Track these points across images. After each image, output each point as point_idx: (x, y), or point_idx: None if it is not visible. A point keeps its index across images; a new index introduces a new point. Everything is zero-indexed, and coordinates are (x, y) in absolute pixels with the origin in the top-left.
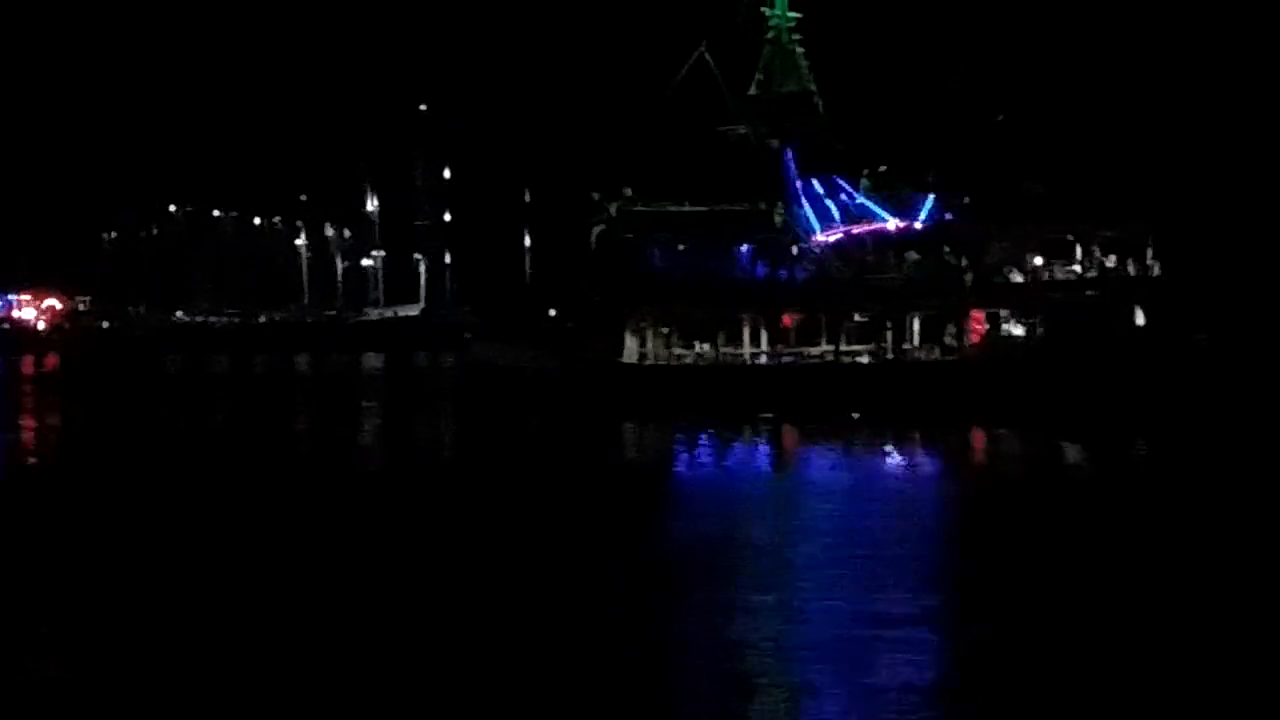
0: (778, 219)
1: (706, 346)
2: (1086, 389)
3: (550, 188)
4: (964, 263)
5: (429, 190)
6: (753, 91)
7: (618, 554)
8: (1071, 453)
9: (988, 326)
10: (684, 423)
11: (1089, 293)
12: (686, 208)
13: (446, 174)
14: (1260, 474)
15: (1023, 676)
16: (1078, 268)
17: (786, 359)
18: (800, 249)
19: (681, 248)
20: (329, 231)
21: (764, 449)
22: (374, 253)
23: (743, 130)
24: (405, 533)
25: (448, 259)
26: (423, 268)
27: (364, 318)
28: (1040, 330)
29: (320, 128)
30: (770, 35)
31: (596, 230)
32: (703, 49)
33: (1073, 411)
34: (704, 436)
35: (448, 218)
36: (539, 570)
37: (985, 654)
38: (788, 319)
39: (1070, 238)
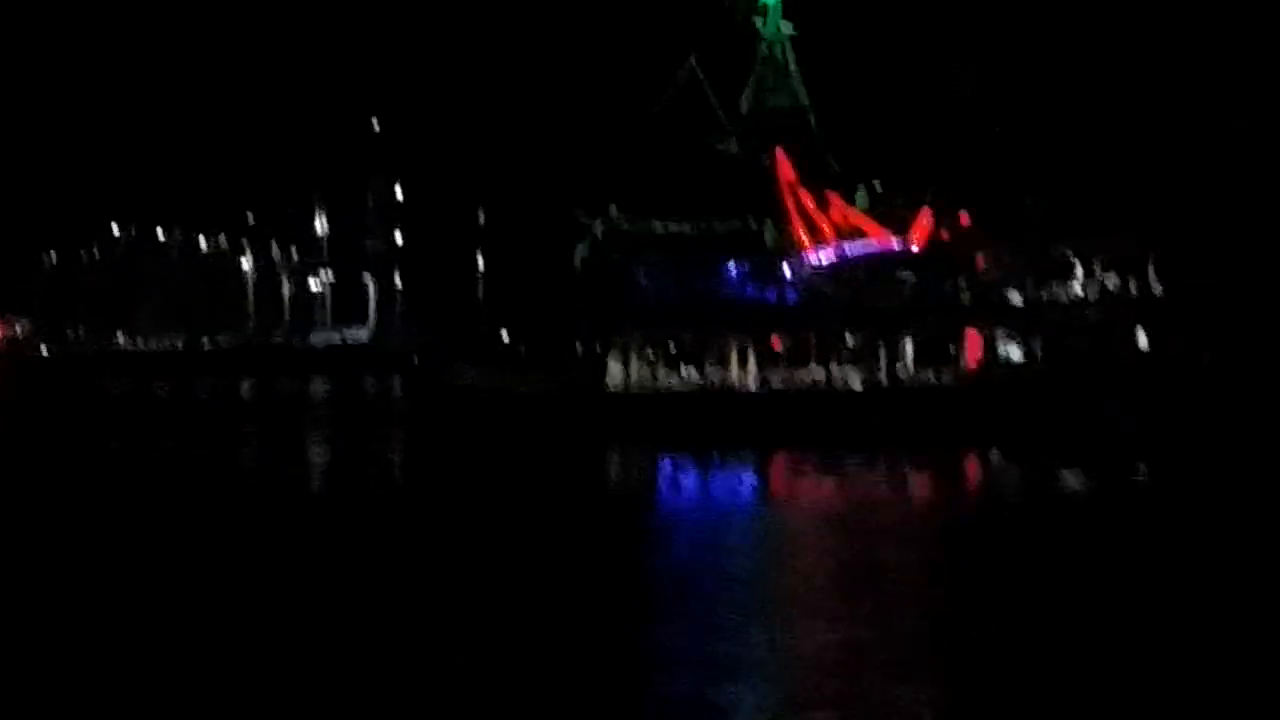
0: (768, 238)
1: (693, 370)
2: (1088, 413)
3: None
4: (961, 283)
5: (380, 210)
6: (744, 107)
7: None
8: (1071, 480)
9: (984, 349)
10: (668, 450)
11: (1090, 313)
12: (673, 227)
13: (398, 193)
14: (1264, 497)
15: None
16: (1079, 287)
17: (777, 383)
18: (791, 268)
19: (668, 268)
20: (276, 252)
21: (750, 477)
22: (322, 273)
23: (733, 147)
24: (384, 560)
25: (398, 281)
26: (372, 289)
27: (311, 342)
28: (1039, 352)
29: (268, 144)
30: (763, 50)
31: (581, 250)
32: (692, 62)
33: (1073, 437)
34: (688, 464)
35: (399, 238)
36: (511, 600)
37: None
38: (776, 341)
39: (1070, 256)
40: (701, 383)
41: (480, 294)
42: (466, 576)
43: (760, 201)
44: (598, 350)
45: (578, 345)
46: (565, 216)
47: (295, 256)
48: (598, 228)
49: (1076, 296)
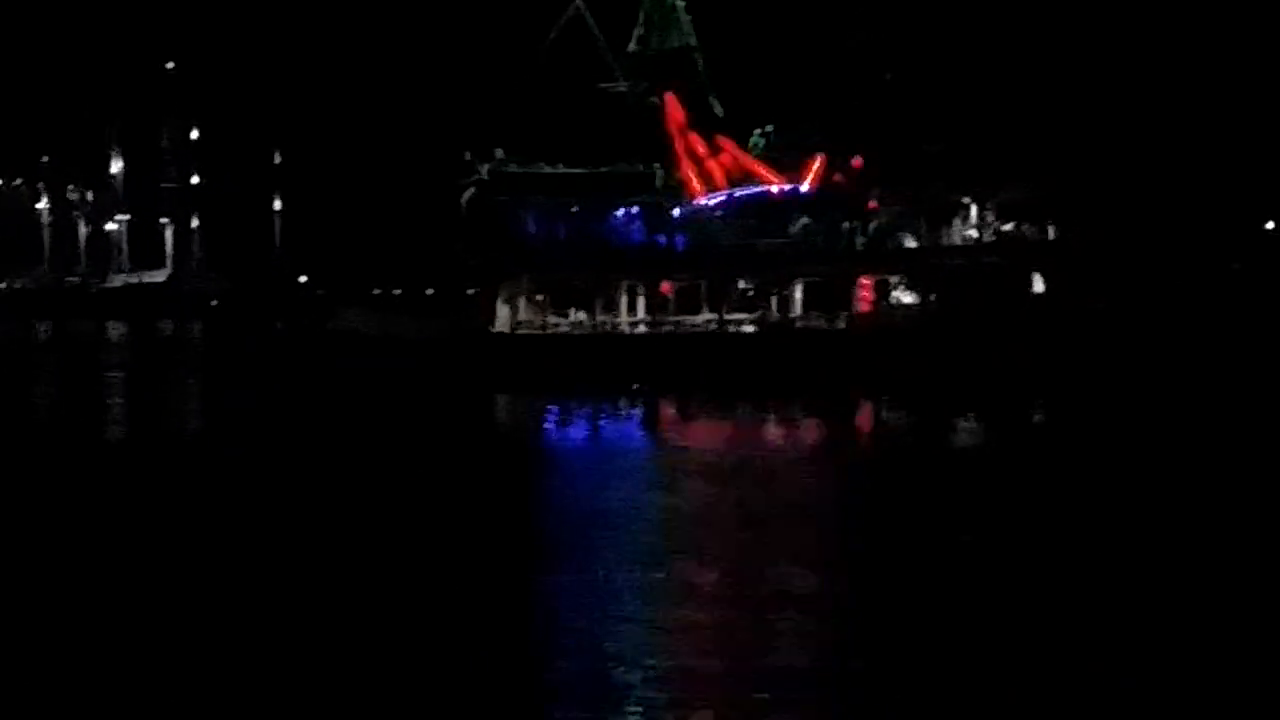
0: (658, 181)
1: (583, 314)
2: (981, 358)
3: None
4: (854, 227)
5: (176, 152)
6: (632, 48)
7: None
8: (960, 424)
9: (876, 294)
10: (557, 394)
11: (986, 258)
12: (562, 169)
13: (194, 135)
14: (1152, 441)
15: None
16: (974, 232)
17: (667, 327)
18: (681, 212)
19: (557, 211)
20: (71, 194)
21: (637, 421)
22: (119, 216)
23: (621, 88)
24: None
25: (195, 223)
26: (169, 232)
27: (108, 284)
28: (933, 297)
29: (62, 86)
30: None
31: (467, 193)
32: (578, 2)
33: (966, 381)
34: (576, 408)
35: (195, 180)
36: (400, 547)
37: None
38: (666, 286)
39: (966, 201)
40: (590, 326)
41: (277, 236)
42: (354, 522)
43: (650, 144)
44: (485, 293)
45: (464, 288)
46: (451, 159)
47: (91, 198)
48: (484, 170)
49: (971, 241)
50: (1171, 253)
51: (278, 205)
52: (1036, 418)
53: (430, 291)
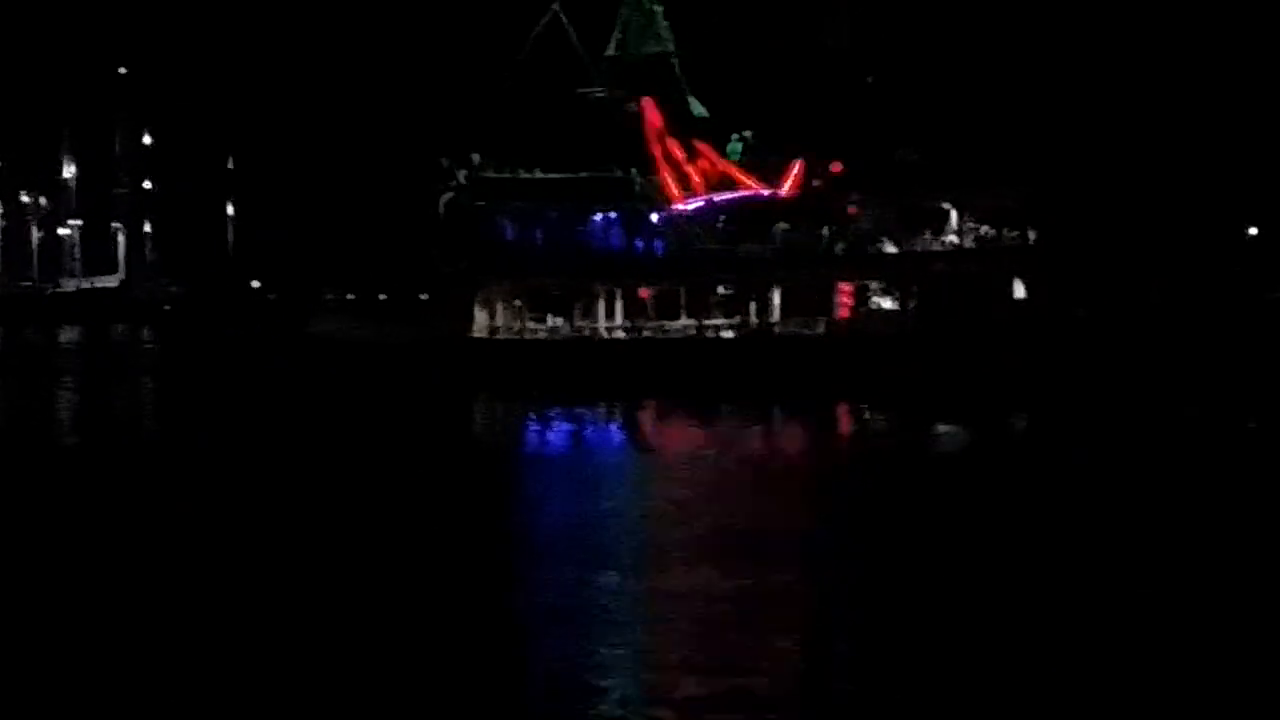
0: (636, 186)
1: (560, 320)
2: (961, 365)
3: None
4: (831, 232)
5: (129, 157)
6: (610, 52)
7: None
8: (941, 431)
9: (854, 300)
10: (536, 400)
11: (966, 264)
12: (539, 174)
13: (147, 140)
14: (1134, 450)
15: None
16: (954, 238)
17: (646, 333)
18: (660, 218)
19: (534, 216)
20: (24, 198)
21: (616, 428)
22: (71, 221)
23: (599, 93)
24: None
25: (148, 228)
26: (121, 237)
27: (61, 289)
28: (912, 303)
29: (14, 91)
30: None
31: (445, 198)
32: (556, 7)
33: (946, 388)
34: (555, 415)
35: (148, 185)
36: (377, 552)
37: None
38: (644, 292)
39: (946, 206)
40: (569, 332)
41: (231, 241)
42: (332, 528)
43: (628, 150)
44: (462, 298)
45: (442, 294)
46: (426, 164)
47: (44, 204)
48: (461, 175)
49: (951, 247)
50: (1153, 258)
51: (231, 210)
52: (1017, 424)
53: (405, 296)
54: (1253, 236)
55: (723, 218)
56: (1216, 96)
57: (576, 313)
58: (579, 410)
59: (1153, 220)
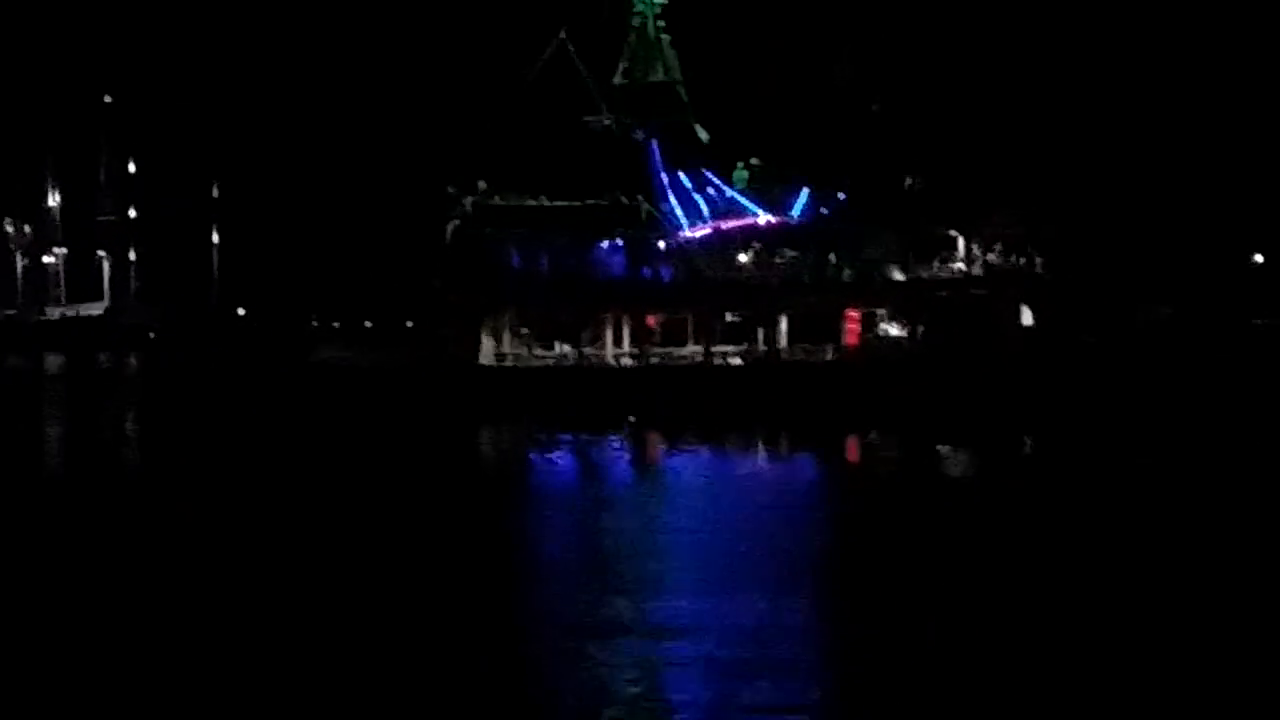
0: (643, 214)
1: (568, 347)
2: (968, 391)
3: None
4: (837, 259)
5: (113, 185)
6: (617, 80)
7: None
8: (948, 456)
9: (862, 326)
10: (543, 427)
11: (974, 291)
12: (546, 202)
13: (131, 167)
14: (1141, 475)
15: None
16: (961, 265)
17: (653, 360)
18: (667, 246)
19: (541, 244)
20: (8, 227)
21: (624, 454)
22: (55, 249)
23: (606, 121)
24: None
25: (132, 256)
26: (106, 265)
27: (46, 317)
28: (920, 330)
29: None
30: (635, 22)
31: (451, 225)
32: (562, 35)
33: (953, 414)
34: (563, 442)
35: (132, 213)
36: (383, 576)
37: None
38: (652, 319)
39: (953, 234)
40: (576, 359)
41: (215, 269)
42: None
43: (634, 177)
44: (469, 326)
45: (449, 321)
46: (435, 192)
47: (28, 231)
48: (468, 204)
49: (959, 274)
50: (1158, 285)
51: (216, 238)
52: (1026, 450)
53: (396, 323)
54: (1258, 263)
55: (730, 245)
56: (1222, 126)
57: (584, 340)
58: (586, 437)
59: (1158, 247)
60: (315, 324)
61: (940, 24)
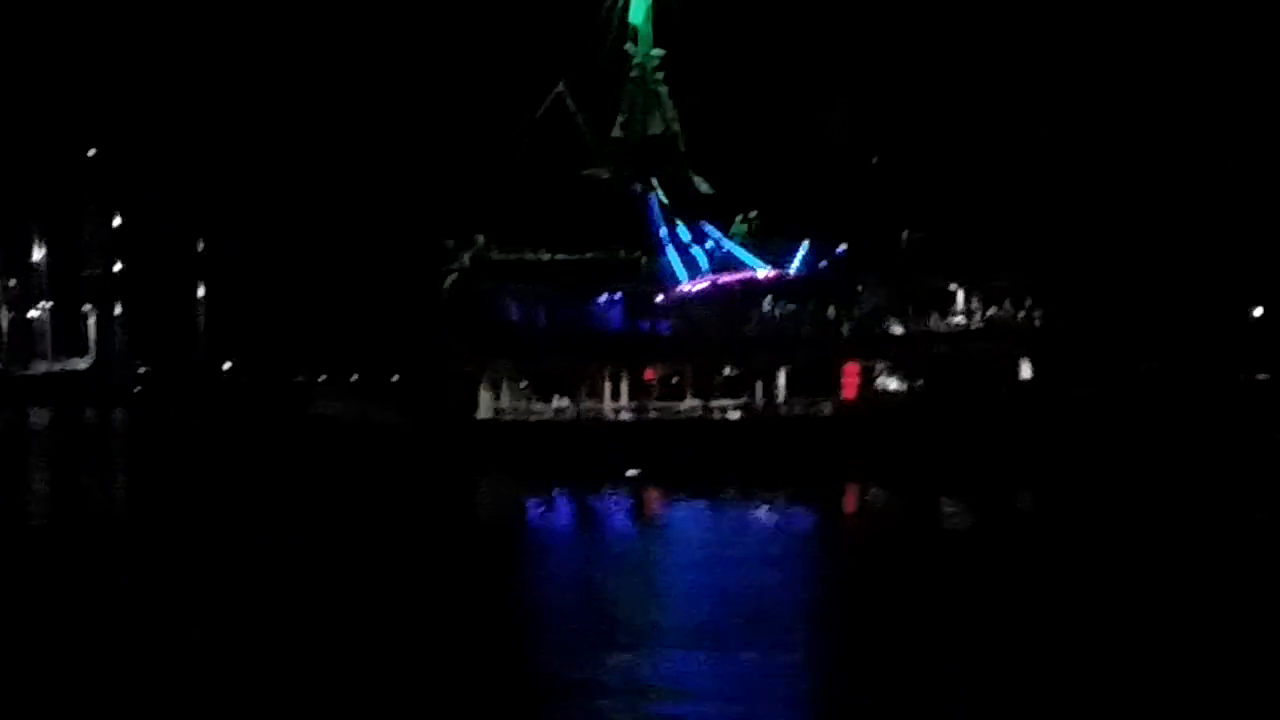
0: (642, 267)
1: (566, 401)
2: (968, 445)
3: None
4: (836, 313)
5: (98, 239)
6: (615, 133)
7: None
8: (947, 510)
9: (861, 380)
10: (541, 480)
11: (973, 345)
12: (544, 255)
13: (116, 222)
14: (1139, 530)
15: None
16: (961, 318)
17: (652, 414)
18: (665, 299)
19: (539, 297)
20: None
21: (623, 508)
22: (41, 304)
23: (604, 174)
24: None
25: (118, 310)
26: (92, 320)
27: (31, 371)
28: (920, 384)
29: None
30: (633, 74)
31: (449, 279)
32: (560, 87)
33: (952, 468)
34: (561, 496)
35: (118, 268)
36: (382, 629)
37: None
38: (650, 373)
39: (953, 288)
40: (574, 413)
41: (201, 323)
42: (342, 602)
43: (633, 230)
44: (467, 380)
45: (447, 375)
46: (432, 246)
47: (13, 286)
48: (466, 257)
49: (957, 328)
50: (1156, 339)
51: (201, 292)
52: (1024, 505)
53: (386, 377)
54: (1257, 317)
55: (728, 298)
56: (1222, 181)
57: (582, 394)
58: (585, 491)
59: (1157, 302)
60: (304, 378)
61: (938, 77)
